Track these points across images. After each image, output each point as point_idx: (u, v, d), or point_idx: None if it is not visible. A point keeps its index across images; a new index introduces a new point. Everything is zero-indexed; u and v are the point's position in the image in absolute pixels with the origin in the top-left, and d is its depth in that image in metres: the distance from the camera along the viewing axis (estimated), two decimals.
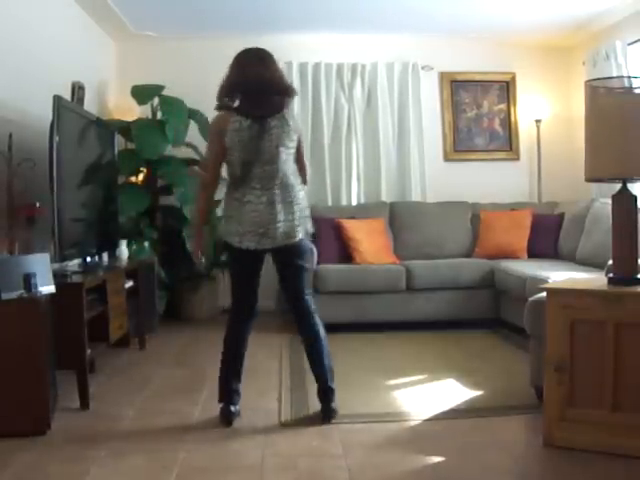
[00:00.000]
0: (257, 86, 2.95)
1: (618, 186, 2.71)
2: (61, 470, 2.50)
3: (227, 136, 2.95)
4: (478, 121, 6.32)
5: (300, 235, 3.03)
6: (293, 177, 3.05)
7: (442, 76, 6.27)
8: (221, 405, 3.07)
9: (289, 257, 3.06)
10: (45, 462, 2.58)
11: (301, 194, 3.08)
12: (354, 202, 6.05)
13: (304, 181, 3.17)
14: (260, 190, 2.96)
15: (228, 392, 3.07)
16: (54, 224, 3.33)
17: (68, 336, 3.16)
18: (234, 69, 3.02)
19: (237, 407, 3.08)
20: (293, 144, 3.04)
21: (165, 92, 5.40)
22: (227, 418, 3.01)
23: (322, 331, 3.11)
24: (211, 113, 5.38)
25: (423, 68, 6.17)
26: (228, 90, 3.01)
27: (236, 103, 3.00)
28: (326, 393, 3.05)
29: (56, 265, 3.38)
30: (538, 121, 6.18)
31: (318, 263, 5.12)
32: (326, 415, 3.01)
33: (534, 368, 3.15)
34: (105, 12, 5.15)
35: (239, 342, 3.11)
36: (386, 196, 6.04)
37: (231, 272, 3.16)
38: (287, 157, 3.01)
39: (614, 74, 5.02)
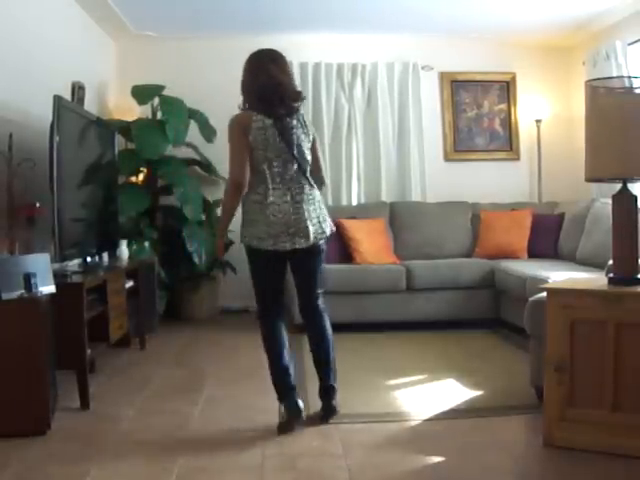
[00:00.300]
0: (272, 87, 2.94)
1: (618, 186, 2.71)
2: (61, 470, 2.50)
3: (251, 134, 2.91)
4: (478, 121, 6.32)
5: (328, 231, 3.04)
6: (310, 175, 3.05)
7: (442, 76, 6.27)
8: (284, 403, 2.97)
9: (312, 256, 3.03)
10: (45, 462, 2.57)
11: (317, 192, 3.08)
12: (354, 202, 6.05)
13: (322, 180, 3.17)
14: (282, 190, 2.94)
15: (287, 387, 2.99)
16: (54, 224, 3.33)
17: (68, 336, 3.16)
18: (247, 72, 3.02)
19: (301, 400, 3.00)
20: (310, 144, 3.06)
21: (165, 92, 5.40)
22: (295, 412, 2.92)
23: (330, 331, 3.10)
24: (211, 113, 5.53)
25: (423, 68, 6.17)
26: (245, 91, 3.02)
27: (253, 104, 2.98)
28: (327, 391, 3.05)
29: (56, 265, 3.38)
30: (538, 121, 6.18)
31: None
32: (326, 413, 3.01)
33: (534, 368, 3.15)
34: (105, 12, 5.15)
35: (279, 337, 3.04)
36: (386, 196, 6.05)
37: (258, 277, 3.05)
38: (307, 156, 3.03)
39: (614, 74, 5.01)
